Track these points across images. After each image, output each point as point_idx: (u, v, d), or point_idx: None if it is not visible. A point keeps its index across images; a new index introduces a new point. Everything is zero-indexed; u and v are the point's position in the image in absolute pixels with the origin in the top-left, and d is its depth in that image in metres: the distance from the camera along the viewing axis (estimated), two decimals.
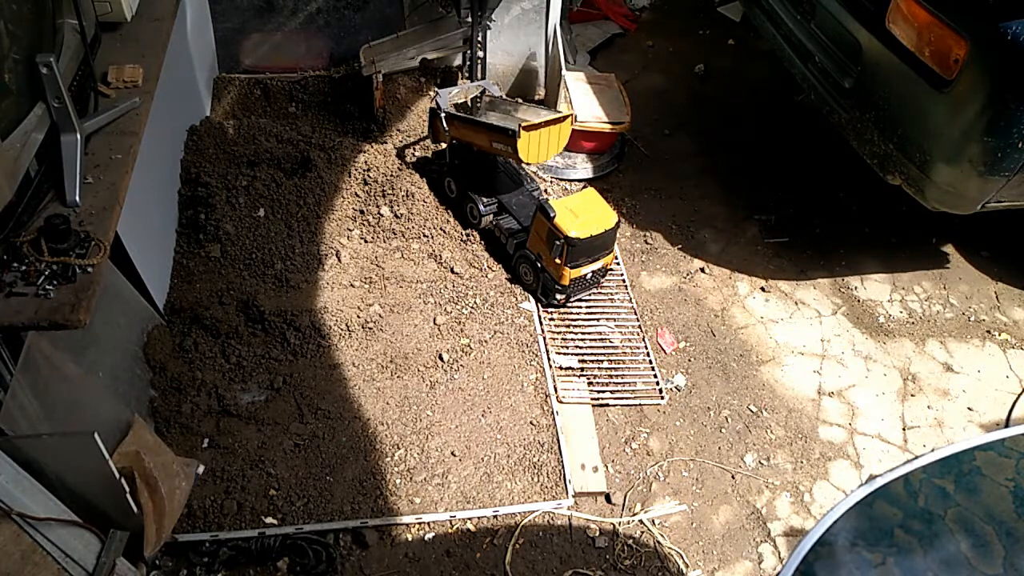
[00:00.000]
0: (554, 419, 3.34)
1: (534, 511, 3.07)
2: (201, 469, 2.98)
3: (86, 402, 2.63)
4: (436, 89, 4.33)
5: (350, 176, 4.02)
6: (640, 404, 3.48)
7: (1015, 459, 2.09)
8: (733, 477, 3.28)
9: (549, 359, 3.57)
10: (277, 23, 4.44)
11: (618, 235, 4.22)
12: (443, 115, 3.89)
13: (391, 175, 4.02)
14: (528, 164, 3.84)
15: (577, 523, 3.08)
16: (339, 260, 3.77)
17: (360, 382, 3.38)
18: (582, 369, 3.56)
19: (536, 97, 4.86)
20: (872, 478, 2.01)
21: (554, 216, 3.45)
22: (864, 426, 3.51)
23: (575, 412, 3.41)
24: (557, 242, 3.45)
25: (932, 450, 2.92)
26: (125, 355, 3.08)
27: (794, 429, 3.47)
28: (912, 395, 3.64)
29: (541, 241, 3.55)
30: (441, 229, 3.95)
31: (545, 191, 4.37)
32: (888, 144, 3.45)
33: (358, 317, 3.55)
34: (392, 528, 2.98)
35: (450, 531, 3.01)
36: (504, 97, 4.26)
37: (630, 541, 3.04)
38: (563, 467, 3.18)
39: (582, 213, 3.52)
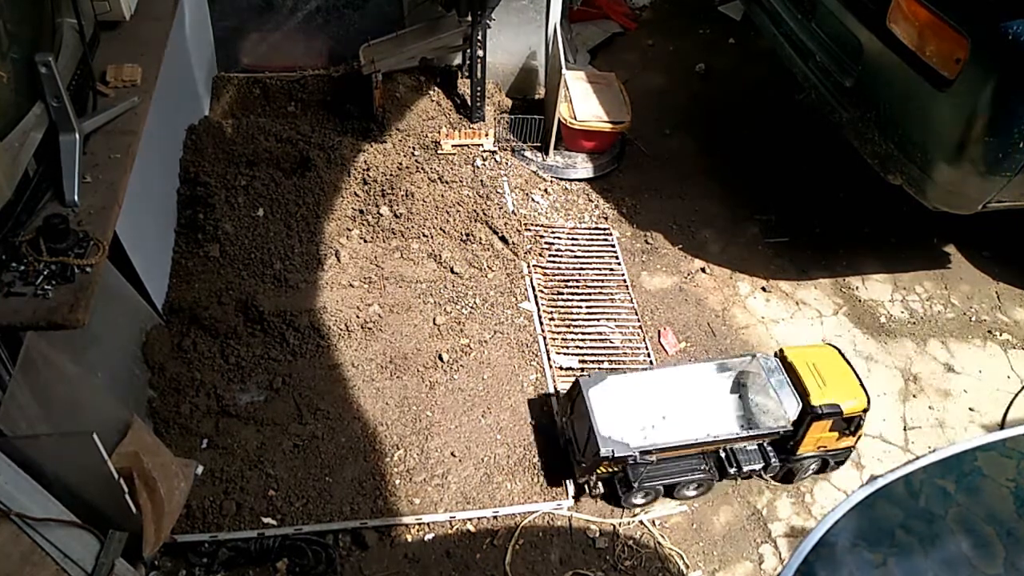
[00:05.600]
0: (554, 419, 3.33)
1: (534, 512, 3.07)
2: (200, 469, 2.97)
3: (85, 402, 2.62)
4: None
5: (350, 176, 4.01)
6: None
7: (1016, 459, 2.08)
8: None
9: (549, 359, 3.57)
10: (276, 22, 4.43)
11: (619, 235, 4.23)
12: None
13: (391, 175, 4.01)
14: None
15: (577, 524, 3.07)
16: (338, 260, 3.76)
17: (360, 382, 3.37)
18: (582, 369, 3.56)
19: (536, 96, 4.86)
20: (873, 478, 2.01)
21: (840, 411, 3.02)
22: (865, 426, 3.49)
23: None
24: (851, 424, 3.08)
25: (933, 450, 2.91)
26: (124, 355, 3.07)
27: None
28: (913, 395, 3.63)
29: (821, 440, 3.12)
30: (441, 229, 3.95)
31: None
32: (889, 144, 3.44)
33: (357, 317, 3.54)
34: (392, 529, 2.97)
35: (450, 532, 3.00)
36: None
37: (630, 542, 3.04)
38: None
39: (828, 378, 3.07)
